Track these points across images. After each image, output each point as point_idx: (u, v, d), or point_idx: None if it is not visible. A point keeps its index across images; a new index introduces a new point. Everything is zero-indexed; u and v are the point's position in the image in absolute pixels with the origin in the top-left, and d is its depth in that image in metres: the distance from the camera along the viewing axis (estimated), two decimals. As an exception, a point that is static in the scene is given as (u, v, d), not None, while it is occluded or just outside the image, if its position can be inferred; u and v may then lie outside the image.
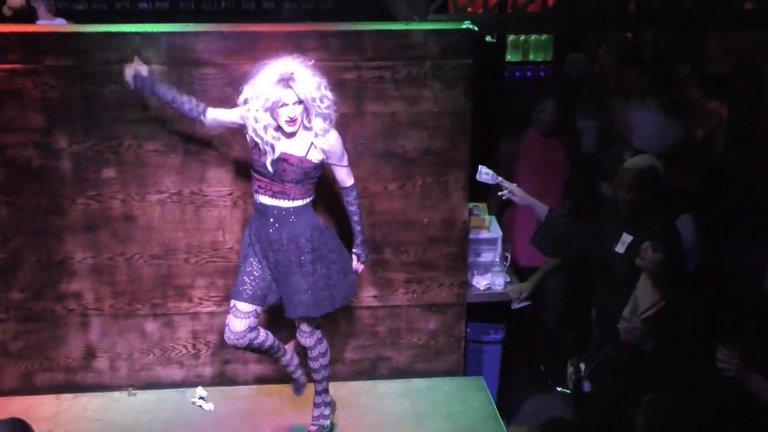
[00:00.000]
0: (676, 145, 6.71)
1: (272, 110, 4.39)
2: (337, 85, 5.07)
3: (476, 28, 5.21)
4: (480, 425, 5.16)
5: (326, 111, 4.42)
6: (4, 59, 4.91)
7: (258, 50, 5.00)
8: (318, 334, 4.82)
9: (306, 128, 4.46)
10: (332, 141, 4.48)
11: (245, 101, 4.41)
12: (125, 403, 5.30)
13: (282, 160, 4.44)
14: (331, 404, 5.02)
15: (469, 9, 6.86)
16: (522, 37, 9.15)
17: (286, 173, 4.45)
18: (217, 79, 4.96)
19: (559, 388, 5.82)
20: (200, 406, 5.24)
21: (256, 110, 4.38)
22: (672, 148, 6.64)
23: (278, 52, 4.98)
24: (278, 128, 4.43)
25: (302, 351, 4.90)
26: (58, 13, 8.61)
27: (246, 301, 4.60)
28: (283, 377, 5.17)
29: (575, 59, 7.98)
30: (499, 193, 5.29)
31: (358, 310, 5.45)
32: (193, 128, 4.96)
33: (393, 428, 5.12)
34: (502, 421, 5.19)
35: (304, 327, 4.75)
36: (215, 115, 4.62)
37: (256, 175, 4.52)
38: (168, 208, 5.17)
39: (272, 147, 4.41)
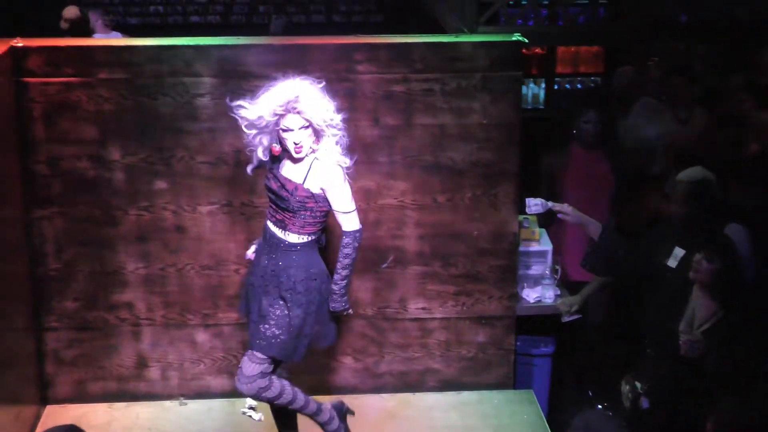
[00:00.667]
0: (728, 157, 6.62)
1: (276, 134, 4.25)
2: (386, 97, 5.11)
3: (526, 40, 5.20)
4: (529, 438, 5.14)
5: (333, 136, 4.26)
6: (60, 73, 4.99)
7: (308, 63, 5.04)
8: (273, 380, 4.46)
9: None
10: (331, 171, 4.27)
11: (245, 120, 4.23)
12: (176, 412, 5.35)
13: (281, 185, 4.31)
14: (329, 417, 4.70)
15: (519, 21, 6.85)
16: (572, 49, 9.11)
17: (283, 200, 4.30)
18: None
19: (599, 406, 5.76)
20: (249, 416, 5.26)
21: (257, 131, 4.24)
22: (724, 160, 6.55)
23: (328, 64, 5.04)
24: (285, 152, 4.30)
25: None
26: (113, 27, 8.77)
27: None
28: (332, 388, 5.18)
29: (624, 71, 7.92)
30: (558, 215, 5.24)
31: (407, 321, 5.45)
32: (243, 140, 5.00)
33: (442, 441, 5.11)
34: (551, 435, 5.16)
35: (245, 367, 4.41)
36: None
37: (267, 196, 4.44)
38: (218, 219, 5.21)
39: (273, 173, 4.31)
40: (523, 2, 8.34)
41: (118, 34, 8.63)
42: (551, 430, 5.23)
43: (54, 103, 5.01)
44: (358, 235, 4.40)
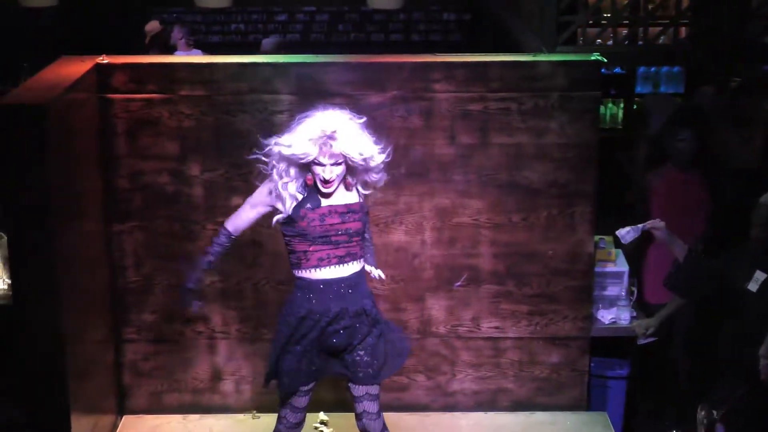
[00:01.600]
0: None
1: (305, 166, 4.15)
2: (462, 116, 5.12)
3: (605, 60, 5.16)
4: (603, 462, 5.08)
5: (376, 173, 4.18)
6: (142, 89, 5.09)
7: (385, 81, 5.07)
8: (382, 417, 4.47)
9: (350, 188, 4.23)
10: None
11: (278, 155, 4.15)
12: (249, 426, 5.39)
13: (344, 212, 4.19)
14: None
15: (599, 41, 6.80)
16: (653, 69, 9.02)
17: (349, 230, 4.19)
18: (345, 109, 5.03)
19: (674, 431, 5.66)
20: (321, 431, 5.28)
21: (285, 163, 4.14)
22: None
23: (405, 82, 5.07)
24: (309, 185, 4.20)
25: None
26: (194, 45, 8.93)
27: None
28: (404, 405, 5.18)
29: (704, 91, 7.81)
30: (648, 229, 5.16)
31: (480, 340, 5.42)
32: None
33: (513, 462, 5.08)
34: (626, 459, 5.09)
35: (370, 407, 4.39)
36: (235, 222, 4.43)
37: (311, 248, 4.20)
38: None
39: (315, 213, 4.17)
40: (603, 22, 8.29)
41: (199, 51, 8.77)
42: (625, 454, 5.16)
43: (136, 119, 5.12)
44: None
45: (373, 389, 4.35)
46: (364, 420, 4.39)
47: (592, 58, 5.16)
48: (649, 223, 5.10)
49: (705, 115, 6.96)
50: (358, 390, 4.36)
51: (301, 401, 4.40)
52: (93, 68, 5.01)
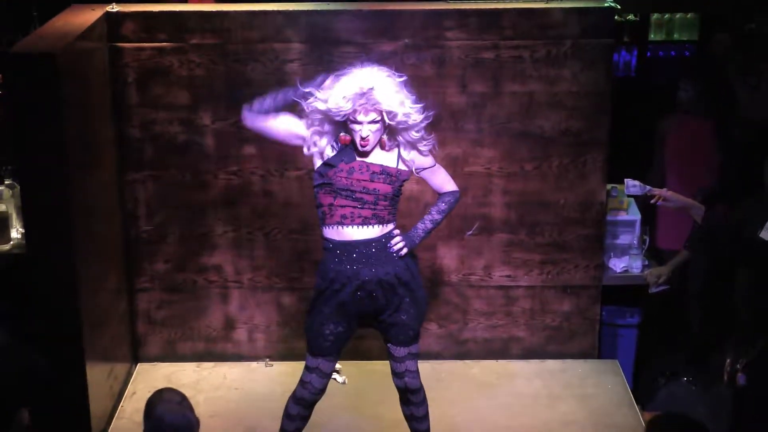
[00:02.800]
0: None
1: (342, 124, 4.06)
2: (474, 64, 5.09)
3: (618, 7, 5.11)
4: (614, 409, 5.11)
5: (416, 128, 4.07)
6: (153, 38, 5.07)
7: (397, 29, 5.04)
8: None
9: (386, 147, 4.14)
10: (423, 153, 4.17)
11: (314, 109, 4.05)
12: (262, 373, 5.44)
13: (375, 173, 4.10)
14: None
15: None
16: (666, 16, 8.91)
17: (378, 186, 4.10)
18: (356, 58, 5.00)
19: (685, 379, 5.67)
20: (334, 378, 5.32)
21: (320, 121, 4.07)
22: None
23: (417, 31, 5.03)
24: (346, 143, 4.11)
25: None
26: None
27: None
28: (423, 354, 5.22)
29: (720, 39, 7.71)
30: (651, 201, 5.14)
31: (492, 289, 5.44)
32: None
33: (525, 409, 5.11)
34: (637, 406, 5.12)
35: (411, 365, 4.35)
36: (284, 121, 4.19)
37: (335, 202, 4.12)
38: (306, 184, 5.24)
39: (349, 166, 4.08)
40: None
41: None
42: (636, 401, 5.19)
43: (146, 68, 5.10)
44: (458, 194, 4.39)
45: (414, 348, 4.34)
46: (406, 378, 4.35)
47: (606, 5, 5.11)
48: (656, 190, 5.06)
49: (715, 64, 6.90)
50: (399, 351, 4.31)
51: (328, 366, 4.35)
52: (103, 16, 4.98)
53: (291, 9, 5.10)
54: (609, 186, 5.47)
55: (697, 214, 5.06)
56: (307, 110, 4.09)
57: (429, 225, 4.31)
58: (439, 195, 4.35)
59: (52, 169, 4.39)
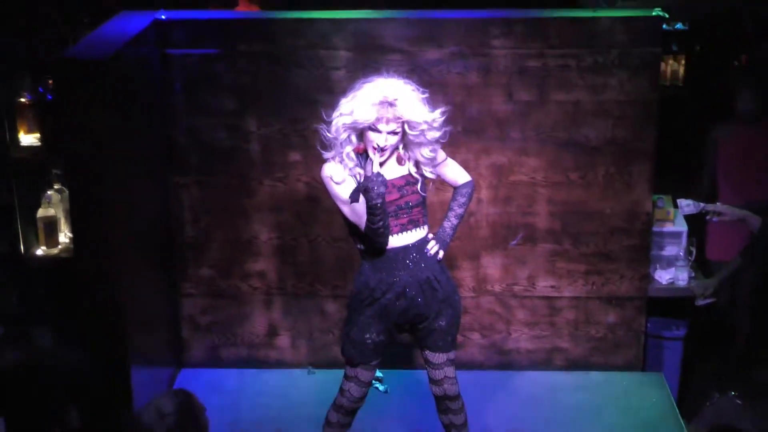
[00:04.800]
0: None
1: (362, 133, 4.01)
2: (520, 72, 5.07)
3: (666, 15, 5.07)
4: (659, 422, 5.05)
5: (431, 149, 4.04)
6: (201, 44, 5.11)
7: (443, 37, 5.04)
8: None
9: (402, 162, 4.10)
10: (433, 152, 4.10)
11: (339, 114, 4.00)
12: (305, 381, 5.45)
13: (401, 185, 4.09)
14: None
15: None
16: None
17: (408, 198, 4.10)
18: (402, 65, 5.01)
19: (732, 393, 5.60)
20: (376, 387, 5.32)
21: (345, 128, 3.99)
22: None
23: (463, 38, 5.02)
24: (359, 153, 4.06)
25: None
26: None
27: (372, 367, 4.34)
28: (458, 363, 5.20)
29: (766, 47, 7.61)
30: (707, 218, 5.08)
31: (536, 299, 5.41)
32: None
33: (569, 421, 5.06)
34: (682, 420, 5.06)
35: (450, 372, 4.34)
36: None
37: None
38: (351, 191, 5.27)
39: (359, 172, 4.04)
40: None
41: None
42: (681, 415, 5.13)
43: (194, 74, 5.14)
44: (473, 184, 4.34)
45: (452, 354, 4.33)
46: (445, 385, 4.34)
47: (654, 13, 5.07)
48: (710, 206, 5.00)
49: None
50: (438, 357, 4.31)
51: (367, 375, 4.35)
52: (152, 24, 5.03)
53: (337, 17, 5.12)
54: (655, 196, 5.42)
55: (753, 224, 4.99)
56: (333, 133, 4.03)
57: (455, 221, 4.30)
58: (455, 189, 4.32)
59: (99, 174, 4.44)
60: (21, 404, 3.52)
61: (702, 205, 4.98)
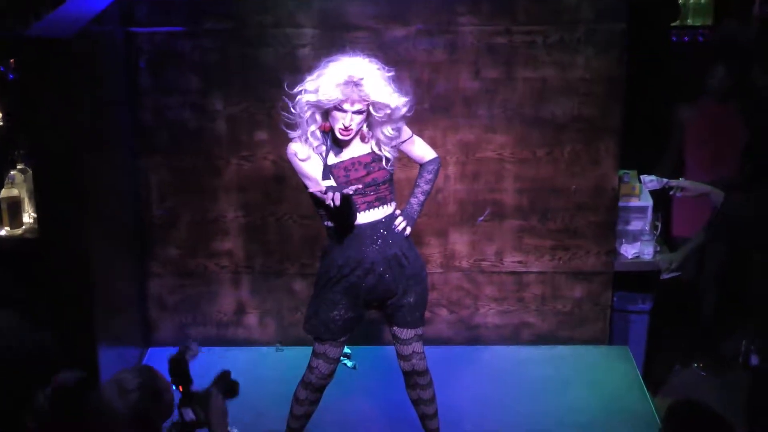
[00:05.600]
0: None
1: (327, 112, 3.99)
2: (487, 49, 5.07)
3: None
4: (624, 395, 5.11)
5: (393, 127, 4.03)
6: (166, 22, 5.07)
7: (409, 15, 5.02)
8: None
9: (365, 140, 4.09)
10: (408, 139, 4.15)
11: (303, 91, 3.96)
12: (273, 358, 5.47)
13: (367, 163, 4.07)
14: None
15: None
16: (680, 1, 8.87)
17: (377, 176, 4.07)
18: (368, 43, 5.00)
19: (695, 365, 5.67)
20: (344, 363, 5.34)
21: (309, 106, 3.96)
22: None
23: (429, 16, 5.01)
24: (325, 131, 4.05)
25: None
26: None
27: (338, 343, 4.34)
28: (426, 339, 5.23)
29: (729, 23, 7.65)
30: (671, 193, 5.11)
31: (503, 275, 5.44)
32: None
33: (536, 394, 5.11)
34: (647, 392, 5.12)
35: (418, 347, 4.37)
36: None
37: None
38: (318, 169, 5.26)
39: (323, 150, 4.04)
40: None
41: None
42: (647, 387, 5.19)
43: (159, 52, 5.10)
44: (440, 160, 4.33)
45: (420, 330, 4.35)
46: (413, 360, 4.36)
47: (619, -11, 5.09)
48: (673, 182, 5.03)
49: (738, 47, 6.82)
50: (406, 333, 4.32)
51: (335, 352, 4.36)
52: (116, 1, 4.97)
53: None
54: (621, 171, 5.45)
55: (716, 200, 5.03)
56: (297, 110, 4.01)
57: (422, 197, 4.29)
58: (421, 165, 4.30)
59: (64, 153, 4.40)
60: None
61: (665, 180, 5.00)
